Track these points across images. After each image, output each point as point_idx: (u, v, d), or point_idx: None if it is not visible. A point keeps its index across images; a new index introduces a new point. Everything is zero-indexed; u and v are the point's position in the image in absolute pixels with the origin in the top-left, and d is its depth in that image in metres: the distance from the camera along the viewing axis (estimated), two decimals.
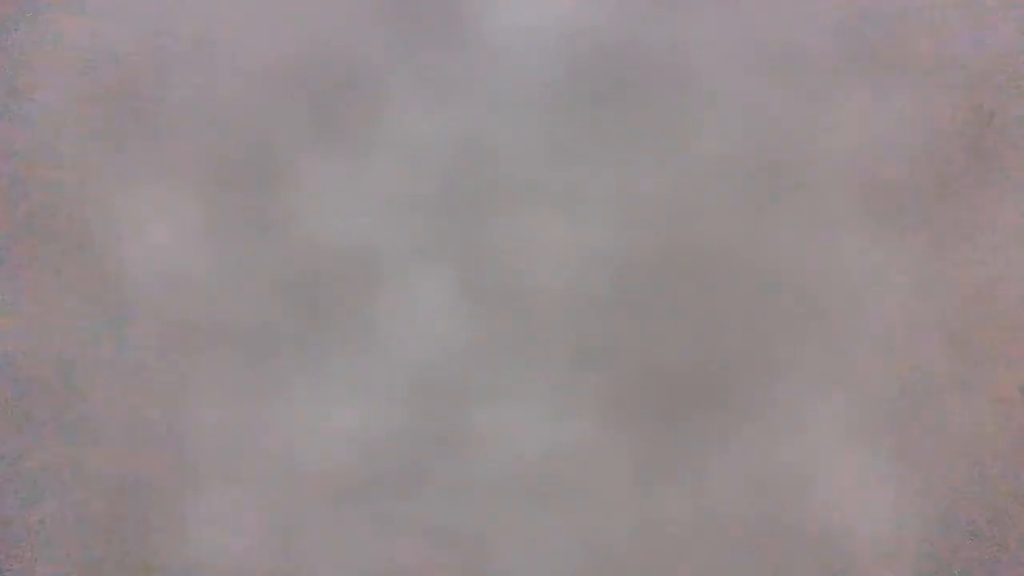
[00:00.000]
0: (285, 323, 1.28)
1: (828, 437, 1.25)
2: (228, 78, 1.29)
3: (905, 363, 1.25)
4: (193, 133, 1.29)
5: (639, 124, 1.26)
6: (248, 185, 1.29)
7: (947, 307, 1.25)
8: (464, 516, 1.27)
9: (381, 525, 1.28)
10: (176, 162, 1.29)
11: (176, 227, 1.29)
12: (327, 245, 1.28)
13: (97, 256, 1.30)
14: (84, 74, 1.30)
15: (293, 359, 1.28)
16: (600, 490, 1.26)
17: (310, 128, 1.28)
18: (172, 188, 1.29)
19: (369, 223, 1.28)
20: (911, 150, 1.26)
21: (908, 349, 1.25)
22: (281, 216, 1.28)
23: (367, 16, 1.28)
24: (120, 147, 1.30)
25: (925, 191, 1.26)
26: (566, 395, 1.26)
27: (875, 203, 1.26)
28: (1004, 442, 1.26)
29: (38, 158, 1.30)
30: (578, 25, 1.26)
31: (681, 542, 1.26)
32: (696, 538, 1.26)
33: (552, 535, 1.27)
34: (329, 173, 1.28)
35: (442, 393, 1.27)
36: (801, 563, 1.26)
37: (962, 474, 1.26)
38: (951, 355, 1.26)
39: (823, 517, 1.26)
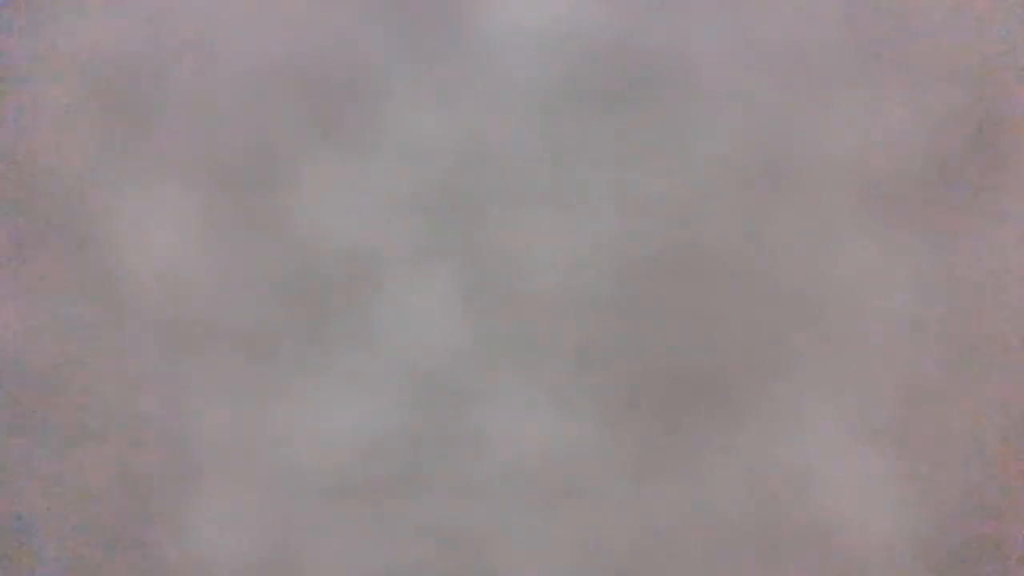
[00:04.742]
0: (285, 323, 1.28)
1: (828, 437, 1.25)
2: (228, 78, 1.29)
3: (905, 363, 1.25)
4: (193, 133, 1.29)
5: (639, 124, 1.26)
6: (248, 185, 1.29)
7: (947, 307, 1.25)
8: (464, 516, 1.27)
9: (381, 525, 1.28)
10: (176, 162, 1.29)
11: (176, 227, 1.29)
12: (327, 245, 1.28)
13: (97, 256, 1.30)
14: (84, 74, 1.30)
15: (293, 359, 1.28)
16: (600, 490, 1.26)
17: (310, 128, 1.28)
18: (172, 188, 1.29)
19: (369, 223, 1.28)
20: (911, 150, 1.26)
21: (908, 349, 1.25)
22: (281, 216, 1.28)
23: (367, 16, 1.28)
24: (120, 147, 1.30)
25: (925, 191, 1.26)
26: (566, 395, 1.26)
27: (875, 203, 1.26)
28: (1004, 442, 1.26)
29: (38, 158, 1.31)
30: (578, 25, 1.26)
31: (681, 542, 1.26)
32: (696, 538, 1.26)
33: (552, 535, 1.27)
34: (329, 173, 1.28)
35: (442, 393, 1.27)
36: (801, 562, 1.26)
37: (962, 474, 1.26)
38: (951, 355, 1.25)
39: (823, 517, 1.26)
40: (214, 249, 1.29)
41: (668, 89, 1.26)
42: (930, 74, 1.25)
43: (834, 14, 1.25)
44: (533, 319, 1.27)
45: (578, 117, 1.26)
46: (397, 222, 1.27)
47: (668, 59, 1.26)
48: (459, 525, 1.27)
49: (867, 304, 1.26)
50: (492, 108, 1.27)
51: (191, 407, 1.29)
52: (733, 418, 1.26)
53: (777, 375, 1.26)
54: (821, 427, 1.25)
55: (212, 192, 1.29)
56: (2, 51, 1.31)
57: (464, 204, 1.27)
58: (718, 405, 1.26)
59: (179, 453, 1.29)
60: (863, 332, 1.25)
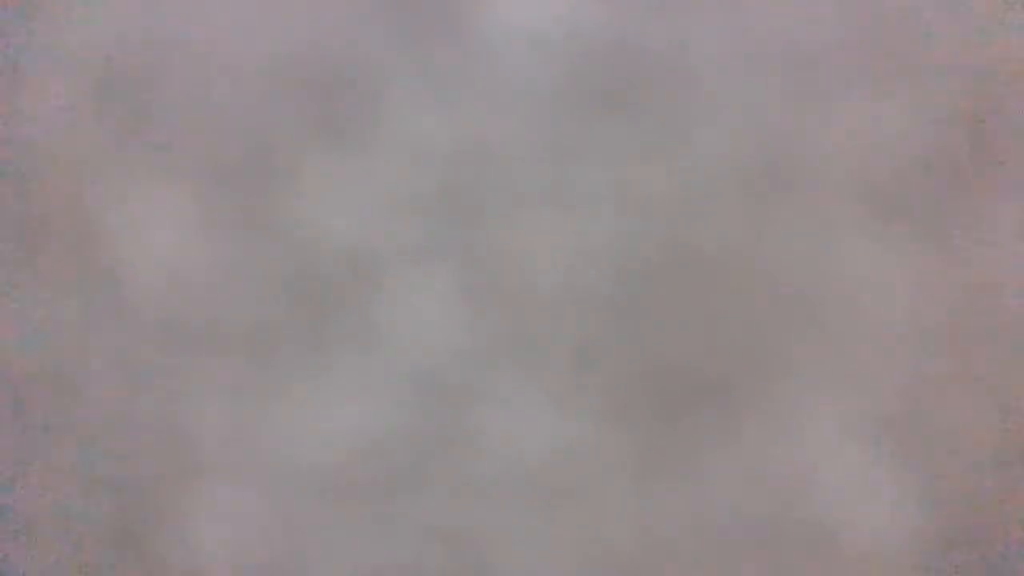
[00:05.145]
0: (285, 323, 1.28)
1: (828, 437, 1.25)
2: (228, 77, 1.29)
3: (905, 363, 1.25)
4: (193, 132, 1.29)
5: (639, 124, 1.26)
6: (248, 185, 1.29)
7: (947, 307, 1.25)
8: (464, 516, 1.27)
9: (381, 525, 1.28)
10: (176, 161, 1.29)
11: (176, 227, 1.29)
12: (327, 245, 1.28)
13: (97, 256, 1.30)
14: (84, 74, 1.30)
15: (293, 359, 1.28)
16: (600, 490, 1.27)
17: (310, 128, 1.28)
18: (172, 187, 1.29)
19: (369, 223, 1.28)
20: (911, 150, 1.26)
21: (908, 349, 1.25)
22: (281, 216, 1.28)
23: (367, 16, 1.28)
24: (120, 147, 1.30)
25: (925, 191, 1.26)
26: (566, 395, 1.27)
27: (875, 203, 1.26)
28: (1004, 443, 1.26)
29: (38, 158, 1.30)
30: (578, 25, 1.26)
31: (681, 542, 1.26)
32: (696, 538, 1.26)
33: (552, 535, 1.27)
34: (329, 173, 1.28)
35: (442, 393, 1.27)
36: (801, 563, 1.26)
37: (962, 474, 1.26)
38: (951, 355, 1.26)
39: (823, 516, 1.26)
40: (214, 249, 1.29)
41: (668, 89, 1.26)
42: (930, 74, 1.25)
43: (834, 14, 1.25)
44: (533, 319, 1.27)
45: (578, 117, 1.26)
46: (397, 222, 1.27)
47: (668, 59, 1.26)
48: (459, 525, 1.27)
49: (867, 304, 1.26)
50: (492, 108, 1.27)
51: (191, 407, 1.29)
52: (733, 418, 1.26)
53: (777, 375, 1.26)
54: (821, 427, 1.25)
55: (212, 191, 1.29)
56: (2, 51, 1.31)
57: (464, 204, 1.27)
58: (718, 405, 1.26)
59: (179, 453, 1.29)
60: (863, 332, 1.26)
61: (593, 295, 1.27)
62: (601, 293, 1.27)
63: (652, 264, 1.26)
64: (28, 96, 1.30)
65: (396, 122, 1.27)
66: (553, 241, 1.27)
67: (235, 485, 1.28)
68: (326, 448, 1.28)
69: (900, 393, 1.26)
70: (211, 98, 1.29)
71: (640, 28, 1.26)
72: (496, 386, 1.27)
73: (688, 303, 1.26)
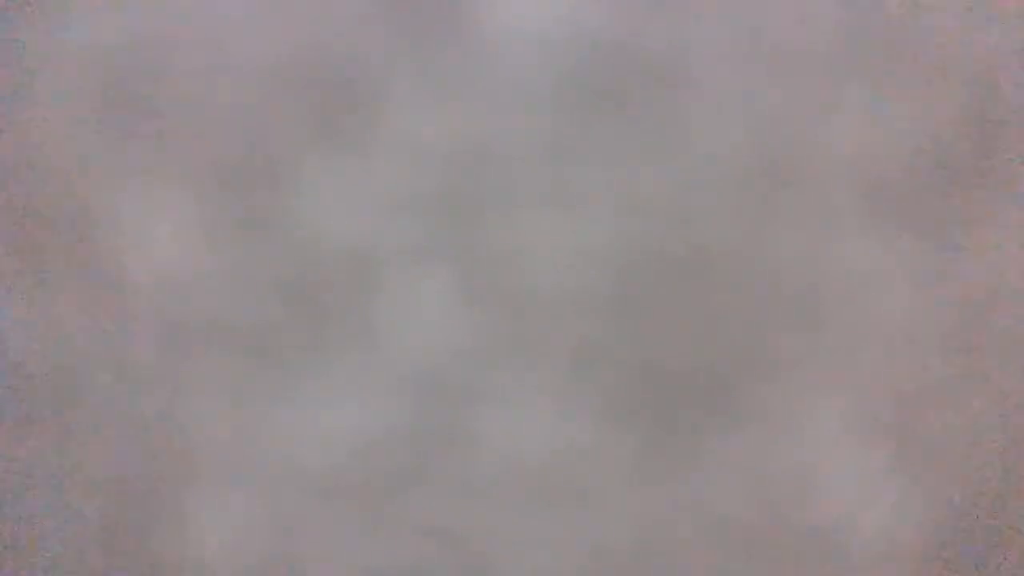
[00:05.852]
0: (285, 324, 1.28)
1: (828, 437, 1.25)
2: (227, 78, 1.29)
3: (905, 363, 1.26)
4: (193, 133, 1.29)
5: (639, 124, 1.26)
6: (248, 185, 1.29)
7: (947, 307, 1.26)
8: (464, 516, 1.27)
9: (381, 525, 1.28)
10: (176, 162, 1.29)
11: (176, 227, 1.29)
12: (327, 245, 1.28)
13: (97, 256, 1.30)
14: (84, 74, 1.30)
15: (293, 360, 1.28)
16: (600, 490, 1.27)
17: (310, 128, 1.28)
18: (172, 188, 1.29)
19: (369, 223, 1.28)
20: (911, 150, 1.26)
21: (908, 349, 1.26)
22: (281, 216, 1.28)
23: (367, 16, 1.28)
24: (120, 147, 1.30)
25: (925, 191, 1.26)
26: (566, 395, 1.27)
27: (875, 203, 1.26)
28: (1004, 443, 1.26)
29: (37, 158, 1.31)
30: (578, 25, 1.26)
31: (681, 542, 1.26)
32: (696, 538, 1.26)
33: (552, 535, 1.27)
34: (329, 173, 1.28)
35: (442, 393, 1.27)
36: (801, 563, 1.26)
37: (962, 474, 1.26)
38: (951, 355, 1.26)
39: (823, 517, 1.26)
40: (214, 249, 1.29)
41: (668, 89, 1.26)
42: (930, 74, 1.25)
43: (835, 14, 1.25)
44: (533, 319, 1.27)
45: (578, 117, 1.26)
46: (397, 222, 1.27)
47: (668, 59, 1.26)
48: (459, 525, 1.27)
49: (867, 304, 1.26)
50: (492, 108, 1.27)
51: (191, 407, 1.29)
52: (733, 418, 1.26)
53: (777, 375, 1.26)
54: (821, 427, 1.26)
55: (212, 192, 1.29)
56: (2, 50, 1.31)
57: (464, 204, 1.27)
58: (718, 405, 1.26)
59: (179, 453, 1.29)
60: (863, 332, 1.26)
61: (593, 295, 1.27)
62: (601, 293, 1.27)
63: (652, 264, 1.26)
64: (28, 96, 1.30)
65: (396, 122, 1.27)
66: (553, 241, 1.27)
67: (235, 485, 1.28)
68: (326, 448, 1.28)
69: (900, 393, 1.26)
70: (211, 98, 1.29)
71: (640, 28, 1.26)
72: (496, 386, 1.27)
73: (688, 303, 1.26)
